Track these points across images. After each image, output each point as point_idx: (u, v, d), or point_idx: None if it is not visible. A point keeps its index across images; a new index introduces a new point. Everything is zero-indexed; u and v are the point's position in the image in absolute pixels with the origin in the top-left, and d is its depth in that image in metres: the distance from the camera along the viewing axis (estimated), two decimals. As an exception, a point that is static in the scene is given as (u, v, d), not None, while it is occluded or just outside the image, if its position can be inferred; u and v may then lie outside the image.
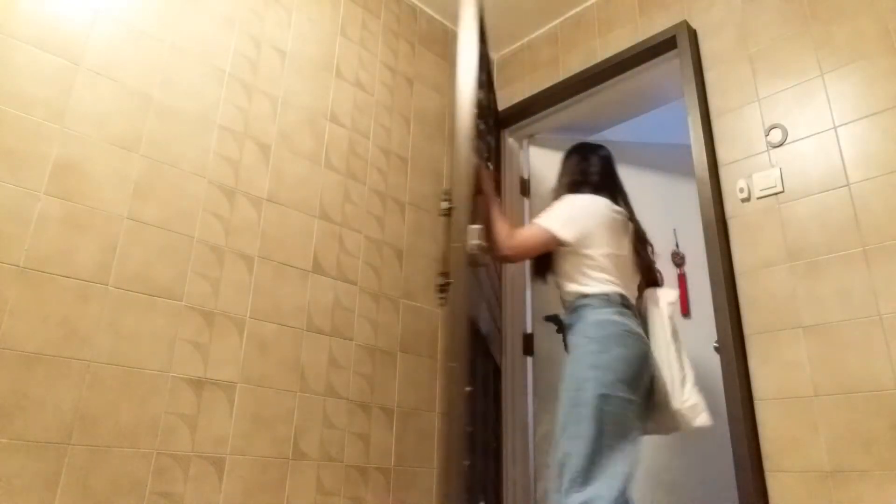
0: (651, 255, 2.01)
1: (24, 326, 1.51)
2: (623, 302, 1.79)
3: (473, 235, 1.70)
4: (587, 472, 1.55)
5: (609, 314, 1.76)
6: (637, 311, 1.85)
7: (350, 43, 2.54)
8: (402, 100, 2.67)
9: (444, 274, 1.70)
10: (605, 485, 1.54)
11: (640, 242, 1.98)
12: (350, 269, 2.26)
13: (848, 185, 1.84)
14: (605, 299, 1.78)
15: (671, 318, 1.86)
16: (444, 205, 1.78)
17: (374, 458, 2.13)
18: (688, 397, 1.75)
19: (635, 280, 1.93)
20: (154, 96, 1.89)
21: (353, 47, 2.54)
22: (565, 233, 1.85)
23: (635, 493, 1.64)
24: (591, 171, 2.04)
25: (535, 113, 2.91)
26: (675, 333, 1.83)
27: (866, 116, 1.85)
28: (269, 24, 2.26)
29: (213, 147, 1.99)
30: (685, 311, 2.59)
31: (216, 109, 2.02)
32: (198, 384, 1.78)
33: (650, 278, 1.99)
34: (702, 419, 1.74)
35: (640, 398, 1.69)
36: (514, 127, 2.99)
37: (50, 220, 1.60)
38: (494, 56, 3.27)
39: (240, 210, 2.00)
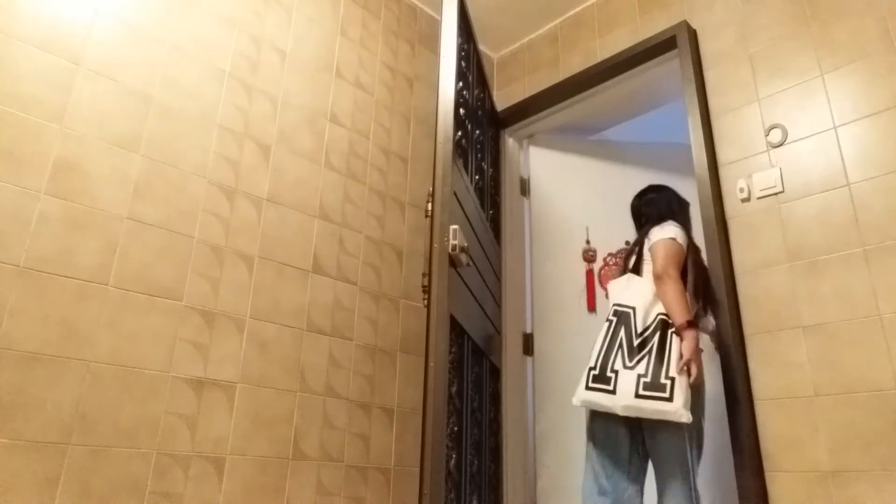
0: (639, 256, 2.05)
1: (24, 326, 1.51)
2: None
3: (453, 236, 1.71)
4: None
5: None
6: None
7: (350, 43, 2.54)
8: (402, 100, 2.67)
9: (426, 275, 1.70)
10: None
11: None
12: (350, 269, 2.26)
13: (848, 185, 1.84)
14: None
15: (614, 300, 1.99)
16: (429, 206, 1.79)
17: (374, 458, 2.13)
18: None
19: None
20: (154, 96, 1.89)
21: (353, 47, 2.54)
22: None
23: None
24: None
25: (535, 113, 2.91)
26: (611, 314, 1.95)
27: (866, 116, 1.85)
28: (269, 24, 2.26)
29: (213, 147, 1.99)
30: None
31: (216, 109, 2.02)
32: (198, 384, 1.78)
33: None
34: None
35: None
36: (514, 127, 2.99)
37: (50, 220, 1.60)
38: (494, 56, 3.27)
39: (240, 210, 2.00)
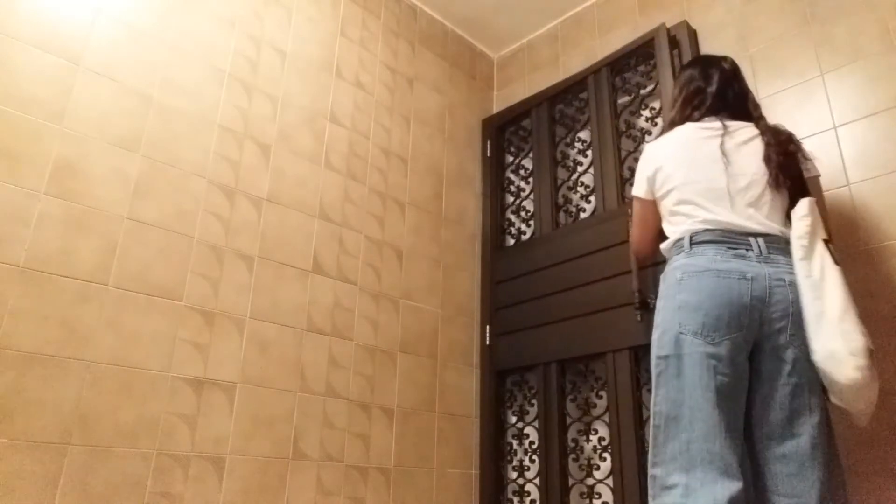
0: (799, 162, 1.51)
1: (24, 326, 1.51)
2: (703, 238, 1.42)
3: None
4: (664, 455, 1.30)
5: (677, 261, 1.45)
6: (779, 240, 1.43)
7: (350, 43, 2.53)
8: (402, 100, 2.67)
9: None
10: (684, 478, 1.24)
11: (771, 146, 1.49)
12: (350, 269, 2.26)
13: (848, 185, 1.84)
14: (677, 247, 1.48)
15: (803, 236, 1.38)
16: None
17: (374, 458, 2.13)
18: (823, 344, 1.26)
19: (752, 199, 1.45)
20: (154, 96, 1.89)
21: (353, 47, 2.54)
22: (638, 190, 1.62)
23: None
24: (684, 98, 1.67)
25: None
26: (808, 254, 1.36)
27: (866, 116, 1.85)
28: (269, 24, 2.26)
29: (213, 147, 1.99)
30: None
31: (216, 109, 2.02)
32: (198, 384, 1.78)
33: (798, 188, 1.48)
34: (847, 372, 1.21)
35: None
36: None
37: (50, 220, 1.60)
38: (494, 56, 3.27)
39: (240, 210, 2.00)
